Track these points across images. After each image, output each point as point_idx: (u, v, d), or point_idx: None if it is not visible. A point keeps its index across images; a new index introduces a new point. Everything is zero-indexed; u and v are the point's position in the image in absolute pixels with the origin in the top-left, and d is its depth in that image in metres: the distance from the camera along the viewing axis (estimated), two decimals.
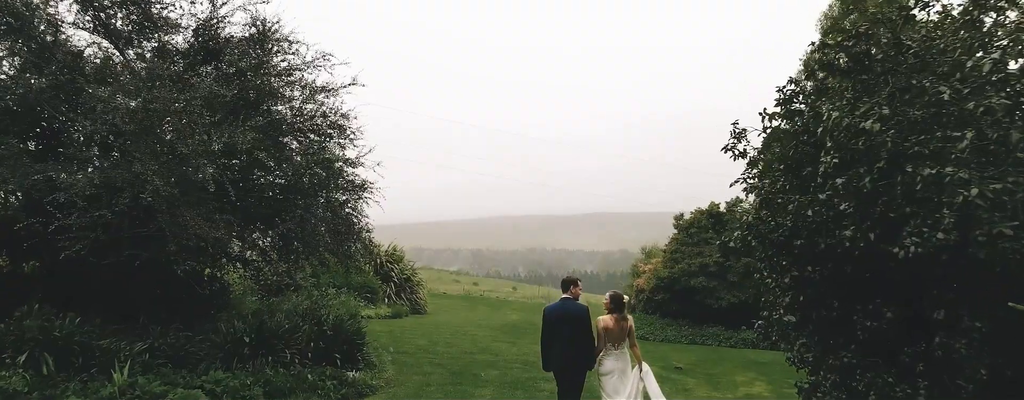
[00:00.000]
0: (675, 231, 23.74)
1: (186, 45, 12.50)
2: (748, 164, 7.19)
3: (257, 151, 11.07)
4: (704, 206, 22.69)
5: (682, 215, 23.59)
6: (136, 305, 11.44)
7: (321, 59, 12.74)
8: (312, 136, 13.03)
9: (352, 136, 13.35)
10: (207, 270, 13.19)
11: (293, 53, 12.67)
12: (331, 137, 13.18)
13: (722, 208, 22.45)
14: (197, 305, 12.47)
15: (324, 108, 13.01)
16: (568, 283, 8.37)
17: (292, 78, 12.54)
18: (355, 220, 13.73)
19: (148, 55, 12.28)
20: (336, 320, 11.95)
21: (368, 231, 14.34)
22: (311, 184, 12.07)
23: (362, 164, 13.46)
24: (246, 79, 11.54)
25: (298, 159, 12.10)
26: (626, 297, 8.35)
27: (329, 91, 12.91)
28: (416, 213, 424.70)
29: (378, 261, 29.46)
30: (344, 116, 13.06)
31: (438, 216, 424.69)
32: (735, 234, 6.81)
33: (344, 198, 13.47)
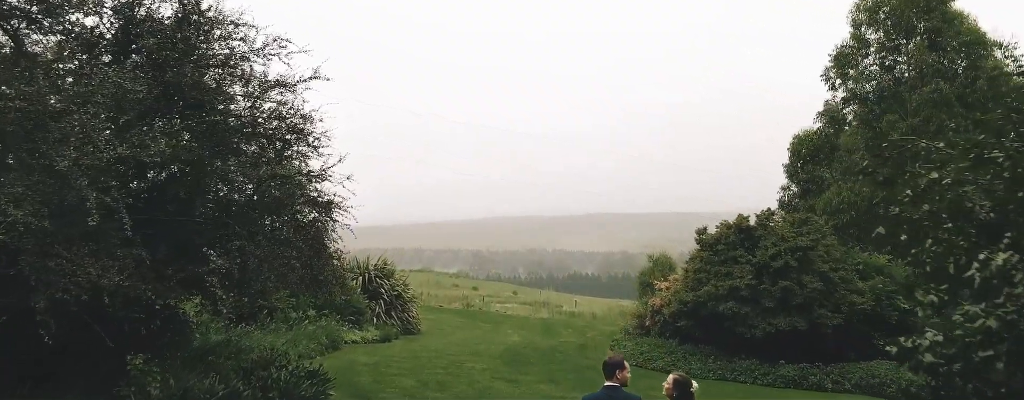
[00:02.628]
0: (697, 246, 21.07)
1: (111, 31, 9.86)
2: (916, 197, 4.50)
3: (180, 163, 8.44)
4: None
5: (705, 229, 20.95)
6: (50, 359, 8.86)
7: (274, 45, 10.10)
8: (276, 143, 10.43)
9: (316, 143, 10.73)
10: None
11: (240, 39, 10.04)
12: (290, 144, 10.55)
13: (751, 222, 19.78)
14: (135, 346, 9.88)
15: (281, 109, 10.40)
16: (613, 367, 5.79)
17: (237, 71, 9.90)
18: (326, 243, 11.14)
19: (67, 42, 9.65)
20: (288, 380, 9.26)
21: (337, 258, 11.73)
22: (264, 203, 9.44)
23: (329, 177, 10.83)
24: (175, 71, 8.87)
25: (246, 174, 9.44)
26: (694, 384, 5.77)
27: (285, 86, 10.27)
28: (415, 214, 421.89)
29: (366, 276, 26.84)
30: (304, 117, 10.43)
31: (437, 216, 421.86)
32: (932, 338, 4.06)
33: (313, 215, 10.88)
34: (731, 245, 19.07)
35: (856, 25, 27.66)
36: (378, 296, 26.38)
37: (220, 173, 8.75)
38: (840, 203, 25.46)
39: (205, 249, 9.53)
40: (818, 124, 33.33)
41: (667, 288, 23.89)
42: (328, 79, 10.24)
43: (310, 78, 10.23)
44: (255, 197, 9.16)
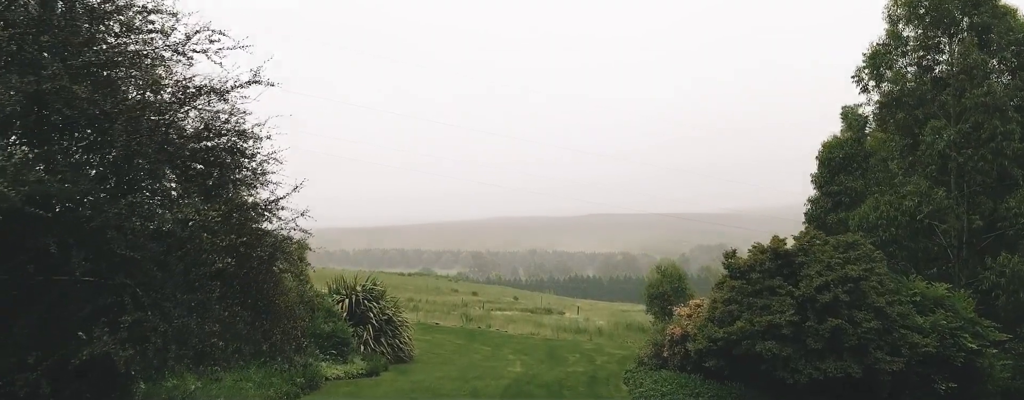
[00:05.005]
0: (725, 272, 18.55)
1: None
2: None
3: (45, 203, 5.93)
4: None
5: (734, 253, 18.40)
6: None
7: (200, 38, 7.59)
8: (211, 170, 7.92)
9: (260, 169, 8.22)
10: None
11: (156, 30, 7.51)
12: (228, 170, 8.02)
13: (789, 245, 17.27)
14: None
15: (214, 124, 7.90)
16: None
17: (149, 74, 7.38)
18: (275, 299, 8.63)
19: None
20: None
21: (289, 316, 9.20)
22: (179, 257, 6.92)
23: (276, 214, 8.32)
24: (32, 75, 6.33)
25: (150, 217, 6.92)
26: None
27: (217, 93, 7.75)
28: (416, 214, 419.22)
29: (353, 299, 24.31)
30: (241, 134, 7.91)
31: (437, 217, 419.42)
32: None
33: (255, 260, 8.36)
34: (767, 273, 16.55)
35: (892, 21, 25.10)
36: (366, 321, 23.87)
37: (108, 218, 6.22)
38: (878, 218, 22.88)
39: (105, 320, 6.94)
40: (846, 130, 31.03)
41: (687, 315, 21.37)
42: (272, 84, 7.72)
43: (249, 83, 7.71)
44: (165, 250, 6.63)
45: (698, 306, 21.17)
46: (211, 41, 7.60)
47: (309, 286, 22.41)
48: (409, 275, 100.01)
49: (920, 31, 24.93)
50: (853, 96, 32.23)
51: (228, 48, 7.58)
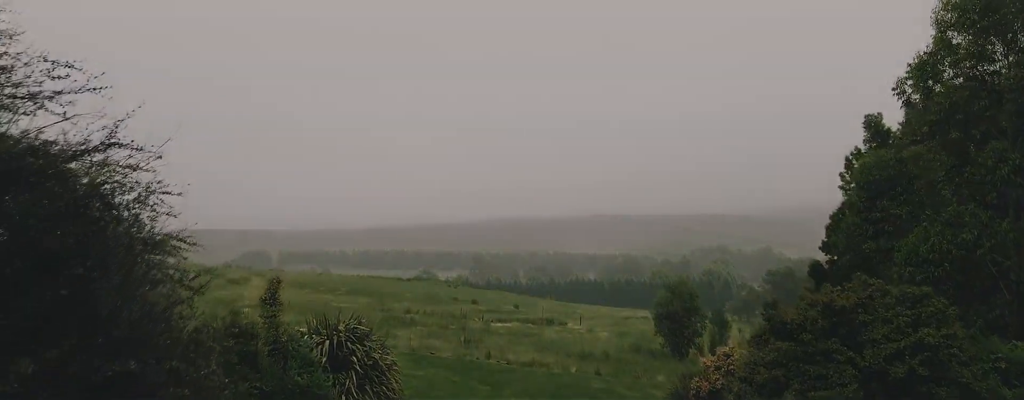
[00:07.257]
0: (765, 323, 15.83)
1: None
2: None
3: None
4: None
5: (774, 304, 15.75)
6: None
7: (33, 73, 4.86)
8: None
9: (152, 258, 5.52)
10: None
11: None
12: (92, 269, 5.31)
13: (842, 299, 14.50)
14: None
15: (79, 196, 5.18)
16: None
17: None
18: None
19: None
20: None
21: None
22: None
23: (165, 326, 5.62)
24: None
25: None
26: None
27: (63, 160, 5.04)
28: (416, 216, 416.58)
29: (334, 341, 21.58)
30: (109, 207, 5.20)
31: (437, 219, 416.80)
32: None
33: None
34: (820, 333, 13.80)
35: (941, 27, 22.38)
36: (349, 366, 21.14)
37: None
38: (928, 251, 20.13)
39: None
40: (869, 139, 28.56)
41: (714, 367, 18.67)
42: (139, 148, 4.96)
43: (105, 145, 4.96)
44: None
45: (727, 356, 18.51)
46: (53, 77, 4.86)
47: (282, 330, 19.78)
48: (408, 280, 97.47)
49: (970, 38, 22.26)
50: (865, 104, 30.20)
51: (76, 89, 4.83)
